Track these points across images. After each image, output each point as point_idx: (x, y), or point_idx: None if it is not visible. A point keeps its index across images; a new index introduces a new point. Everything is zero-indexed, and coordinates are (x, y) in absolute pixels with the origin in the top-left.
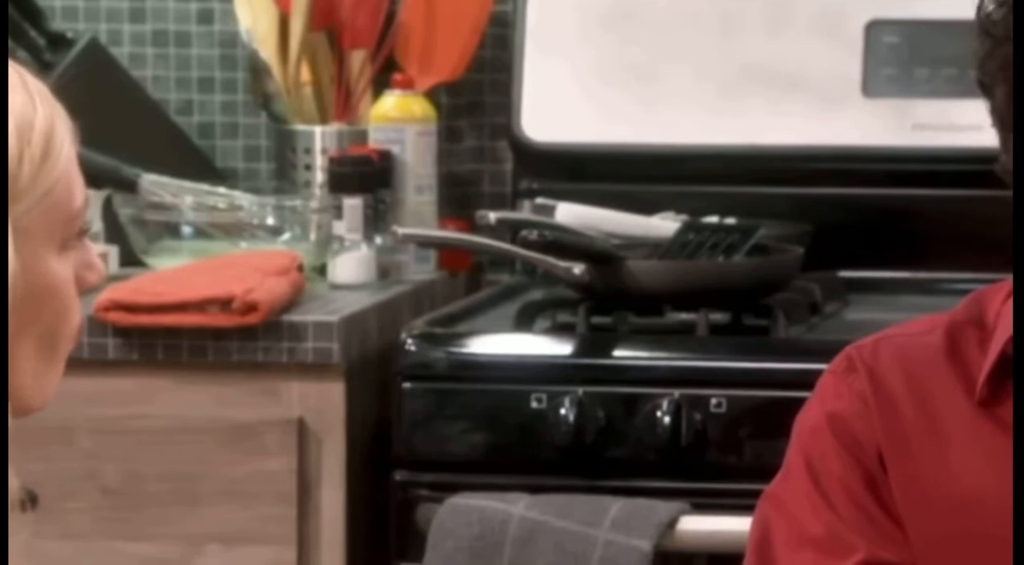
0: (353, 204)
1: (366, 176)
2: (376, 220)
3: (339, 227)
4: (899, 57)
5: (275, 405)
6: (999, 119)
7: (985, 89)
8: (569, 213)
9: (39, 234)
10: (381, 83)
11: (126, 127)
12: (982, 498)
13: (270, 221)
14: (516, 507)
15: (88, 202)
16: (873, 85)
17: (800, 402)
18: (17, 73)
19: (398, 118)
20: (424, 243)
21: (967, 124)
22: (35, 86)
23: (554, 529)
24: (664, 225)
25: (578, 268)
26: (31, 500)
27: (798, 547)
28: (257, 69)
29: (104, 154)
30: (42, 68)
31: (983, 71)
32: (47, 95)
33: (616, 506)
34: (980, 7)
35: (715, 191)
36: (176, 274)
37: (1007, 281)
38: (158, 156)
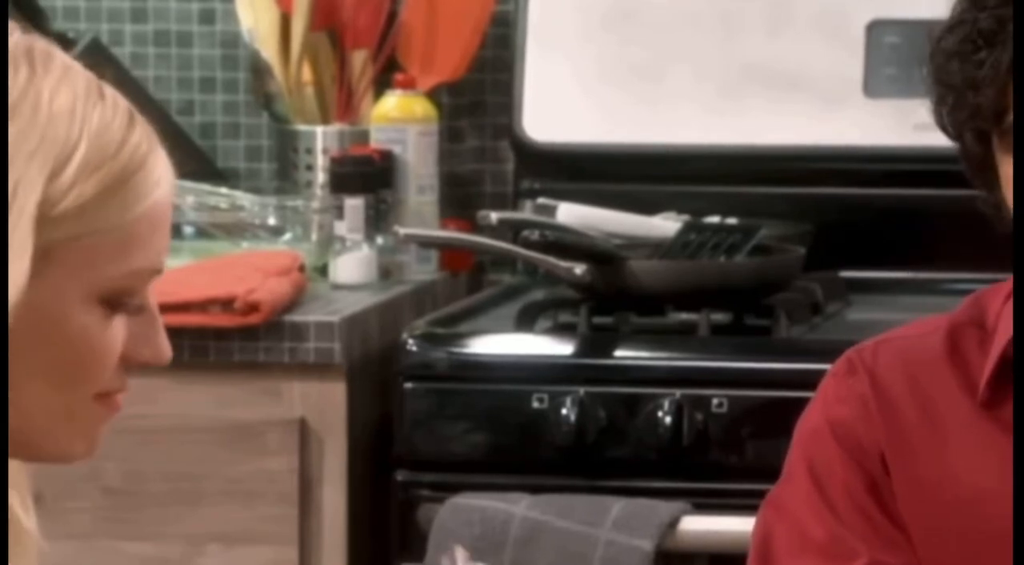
0: (354, 204)
1: (367, 176)
2: (377, 220)
3: (340, 227)
4: (900, 57)
5: (276, 405)
6: (972, 161)
7: (951, 135)
8: (570, 213)
9: (72, 272)
10: (382, 83)
11: None
12: (984, 499)
13: (271, 221)
14: (517, 507)
15: (153, 272)
16: (874, 85)
17: (801, 402)
18: (128, 114)
19: (399, 118)
20: (425, 243)
21: None
22: (144, 134)
23: (555, 529)
24: (665, 225)
25: (579, 268)
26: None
27: (800, 552)
28: (259, 69)
29: None
30: None
31: (952, 120)
32: (151, 147)
33: (617, 506)
34: (932, 57)
35: (716, 191)
36: (178, 274)
37: (1007, 282)
38: None
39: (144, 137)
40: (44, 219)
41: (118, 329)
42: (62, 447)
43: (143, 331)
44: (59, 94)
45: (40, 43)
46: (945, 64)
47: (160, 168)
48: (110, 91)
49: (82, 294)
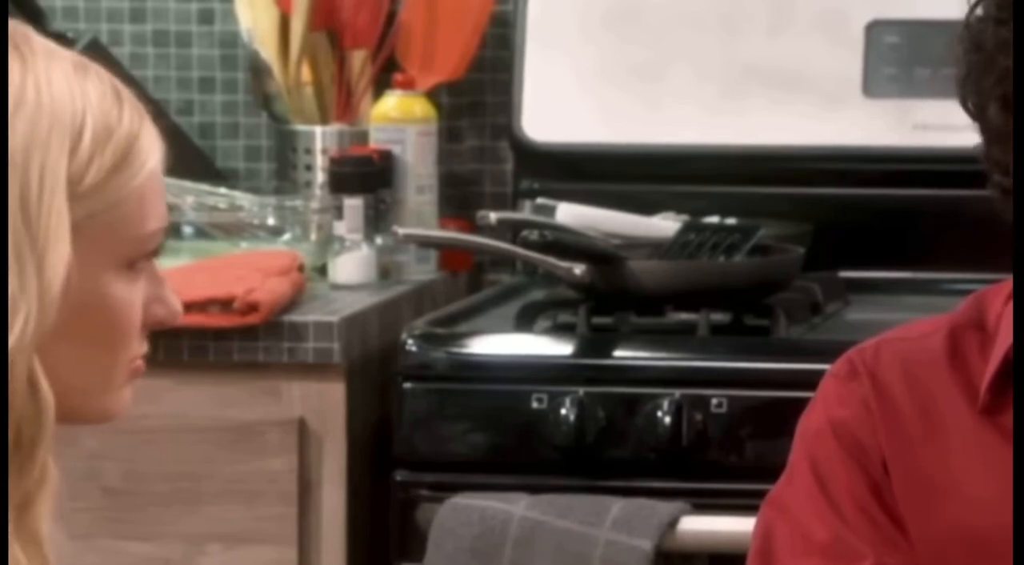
0: (354, 204)
1: (367, 176)
2: (377, 220)
3: (340, 227)
4: (900, 57)
5: (276, 405)
6: (992, 135)
7: (972, 110)
8: (570, 213)
9: (99, 245)
10: (382, 83)
11: None
12: (983, 505)
13: (271, 221)
14: (517, 507)
15: (164, 229)
16: (874, 85)
17: (801, 402)
18: (112, 84)
19: (399, 118)
20: (425, 243)
21: (967, 124)
22: (130, 101)
23: (555, 529)
24: (665, 225)
25: (579, 268)
26: None
27: (802, 553)
28: (258, 69)
29: None
30: None
31: (977, 88)
32: (140, 111)
33: (617, 506)
34: (966, 25)
35: (716, 191)
36: (177, 274)
37: (1007, 282)
38: None
39: (131, 103)
40: (73, 197)
41: (140, 292)
42: (101, 412)
43: (153, 290)
44: (53, 73)
45: (17, 27)
46: (978, 26)
47: (150, 128)
48: (91, 64)
49: (110, 264)
